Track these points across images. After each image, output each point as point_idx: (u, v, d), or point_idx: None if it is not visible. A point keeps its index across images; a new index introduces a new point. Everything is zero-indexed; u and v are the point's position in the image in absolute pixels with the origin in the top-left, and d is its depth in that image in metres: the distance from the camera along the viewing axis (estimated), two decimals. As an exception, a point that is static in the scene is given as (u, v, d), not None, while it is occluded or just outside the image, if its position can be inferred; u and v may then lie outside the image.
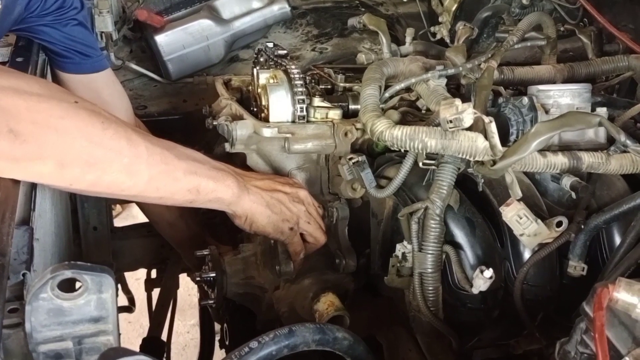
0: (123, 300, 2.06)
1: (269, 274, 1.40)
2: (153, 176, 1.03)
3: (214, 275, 1.38)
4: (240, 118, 1.37)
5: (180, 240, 1.81)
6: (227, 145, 1.32)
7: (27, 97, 0.92)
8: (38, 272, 0.94)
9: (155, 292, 2.09)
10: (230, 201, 1.18)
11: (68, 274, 0.75)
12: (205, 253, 1.43)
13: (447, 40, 1.87)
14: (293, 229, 1.29)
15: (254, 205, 1.22)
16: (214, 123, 1.37)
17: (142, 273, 2.16)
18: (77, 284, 0.84)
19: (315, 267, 1.39)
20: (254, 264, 1.43)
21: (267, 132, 1.30)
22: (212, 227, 1.80)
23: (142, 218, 1.94)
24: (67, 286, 0.82)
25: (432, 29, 1.92)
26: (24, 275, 0.86)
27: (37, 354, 0.78)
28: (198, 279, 1.40)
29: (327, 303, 1.29)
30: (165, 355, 1.97)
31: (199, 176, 1.11)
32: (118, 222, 2.21)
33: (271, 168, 1.37)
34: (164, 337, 2.00)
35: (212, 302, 1.41)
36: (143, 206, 1.75)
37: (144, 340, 1.94)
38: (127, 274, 2.11)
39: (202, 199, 1.13)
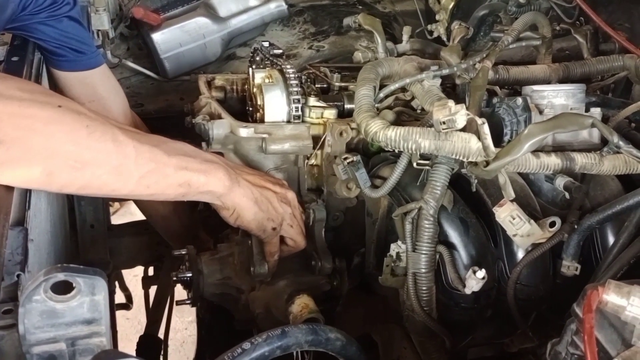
0: (121, 297, 2.07)
1: (246, 274, 1.39)
2: (143, 175, 1.02)
3: (190, 275, 1.38)
4: (219, 117, 1.36)
5: (172, 234, 1.81)
6: (203, 145, 1.31)
7: (8, 102, 0.91)
8: (33, 273, 0.94)
9: (153, 289, 2.09)
10: (221, 193, 1.18)
11: (61, 276, 0.76)
12: (182, 252, 1.42)
13: (444, 38, 1.87)
14: (275, 229, 1.29)
15: (243, 199, 1.22)
16: (193, 122, 1.37)
17: (140, 270, 2.17)
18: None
19: (291, 269, 1.39)
20: (231, 264, 1.42)
21: (243, 132, 1.30)
22: (207, 222, 1.80)
23: (139, 215, 1.95)
24: (62, 288, 0.83)
25: (429, 27, 1.91)
26: (18, 276, 0.86)
27: (30, 356, 0.78)
28: (174, 278, 1.39)
29: (302, 305, 1.29)
30: (162, 352, 1.98)
31: (189, 171, 1.11)
32: (115, 220, 2.22)
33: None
34: (161, 334, 2.01)
35: (188, 302, 1.40)
36: (137, 199, 1.75)
37: (141, 337, 1.94)
38: (125, 271, 2.12)
39: (194, 192, 1.13)
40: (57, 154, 0.93)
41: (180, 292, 2.29)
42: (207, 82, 1.58)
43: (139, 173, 1.02)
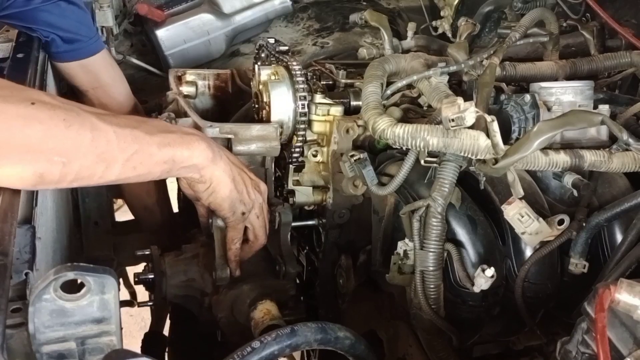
0: (125, 294, 2.07)
1: (210, 277, 1.36)
2: (128, 158, 1.01)
3: (152, 276, 1.34)
4: (185, 115, 1.33)
5: (154, 225, 1.79)
6: None
7: None
8: (40, 271, 0.94)
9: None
10: (204, 165, 1.16)
11: (71, 275, 0.76)
12: (146, 253, 1.38)
13: (449, 34, 1.87)
14: (244, 215, 1.26)
15: (222, 174, 1.19)
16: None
17: (142, 267, 2.16)
18: (79, 281, 0.84)
19: (255, 273, 1.36)
20: (196, 266, 1.38)
21: (208, 131, 1.27)
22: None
23: (143, 212, 1.94)
24: (71, 286, 0.82)
25: (434, 23, 1.91)
26: (26, 274, 0.86)
27: (40, 355, 0.78)
28: (136, 279, 1.36)
29: (264, 311, 1.26)
30: (167, 349, 1.97)
31: (172, 146, 1.09)
32: (119, 216, 2.22)
33: None
34: (165, 331, 2.01)
35: (150, 304, 1.38)
36: (122, 189, 1.73)
37: (146, 334, 1.94)
38: (129, 268, 2.12)
39: (178, 167, 1.12)
40: (40, 152, 0.92)
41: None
42: (177, 76, 1.53)
43: (124, 156, 1.01)
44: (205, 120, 1.29)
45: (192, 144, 1.12)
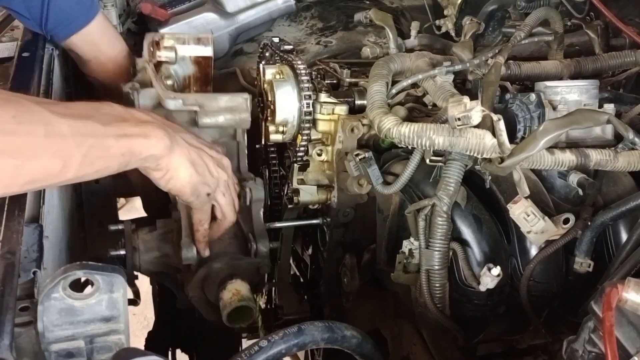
0: (128, 293, 2.07)
1: None
2: (85, 153, 0.95)
3: (124, 252, 1.29)
4: (151, 85, 1.25)
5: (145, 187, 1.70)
6: None
7: None
8: (48, 270, 0.94)
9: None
10: (162, 154, 1.09)
11: (80, 274, 0.76)
12: (119, 228, 1.32)
13: (453, 33, 1.86)
14: (209, 195, 1.20)
15: (180, 159, 1.12)
16: (122, 89, 1.26)
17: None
18: (83, 279, 0.84)
19: (226, 251, 1.29)
20: (170, 241, 1.32)
21: (171, 104, 1.19)
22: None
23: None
24: (80, 285, 0.83)
25: (437, 22, 1.90)
26: (34, 273, 0.86)
27: (49, 353, 0.78)
28: (108, 256, 1.30)
29: (232, 292, 1.20)
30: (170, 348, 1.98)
31: (129, 137, 1.03)
32: (122, 215, 2.22)
33: None
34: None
35: (122, 252, 1.30)
36: (136, 186, 1.64)
37: (149, 333, 1.94)
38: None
39: (136, 159, 1.06)
40: None
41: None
42: (154, 42, 1.41)
43: (81, 151, 0.95)
44: (168, 91, 1.22)
45: (148, 132, 1.06)
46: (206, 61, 1.45)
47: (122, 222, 1.33)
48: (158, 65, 1.39)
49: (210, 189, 1.19)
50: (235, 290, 1.20)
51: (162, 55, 1.37)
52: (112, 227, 1.32)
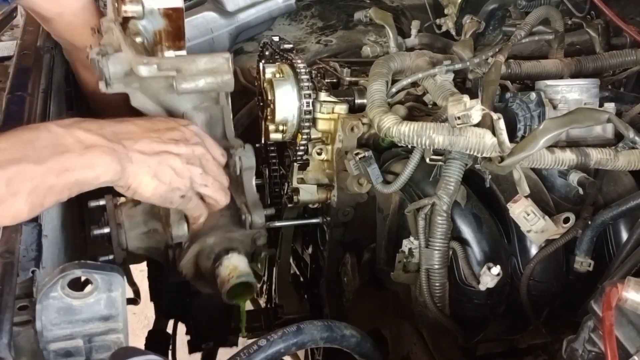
0: (128, 293, 2.06)
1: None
2: (26, 199, 0.89)
3: (108, 231, 1.22)
4: (120, 49, 1.13)
5: None
6: (101, 85, 1.11)
7: None
8: (47, 269, 0.94)
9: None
10: (114, 179, 1.01)
11: (78, 273, 0.76)
12: (100, 204, 1.24)
13: (453, 32, 1.86)
14: (185, 197, 1.12)
15: (137, 177, 1.04)
16: (88, 57, 1.15)
17: (145, 265, 2.16)
18: (83, 279, 0.84)
19: (219, 224, 1.22)
20: (157, 215, 1.25)
21: (144, 70, 1.08)
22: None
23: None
24: (78, 284, 0.83)
25: (437, 21, 1.90)
26: (33, 272, 0.86)
27: (47, 352, 0.78)
28: (92, 235, 1.24)
29: (230, 268, 1.14)
30: (170, 347, 1.98)
31: (72, 171, 0.94)
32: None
33: (162, 108, 1.18)
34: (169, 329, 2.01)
35: (111, 257, 1.24)
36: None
37: (149, 332, 1.94)
38: (132, 266, 2.11)
39: (87, 187, 0.99)
40: None
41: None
42: None
43: (21, 199, 0.88)
44: (140, 56, 1.12)
45: (94, 162, 0.97)
46: (177, 13, 1.30)
47: (103, 197, 1.23)
48: (125, 22, 1.26)
49: (182, 191, 1.11)
50: (233, 266, 1.15)
51: (128, 9, 1.23)
52: (93, 204, 1.23)
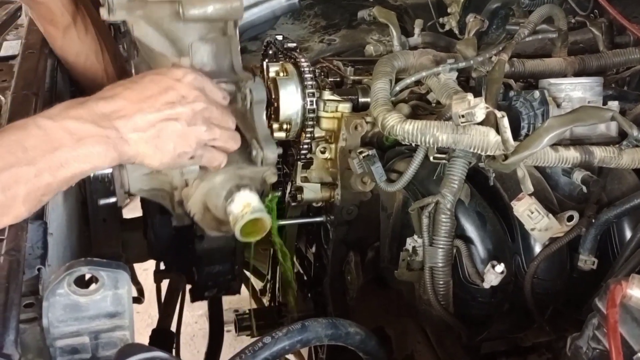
0: (132, 291, 2.07)
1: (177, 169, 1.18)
2: (23, 200, 0.87)
3: (110, 172, 1.18)
4: None
5: None
6: (103, 12, 1.06)
7: None
8: (52, 267, 0.94)
9: (163, 283, 2.09)
10: (112, 164, 0.99)
11: (85, 270, 0.76)
12: None
13: (456, 31, 1.86)
14: (195, 157, 1.08)
15: (138, 155, 1.00)
16: None
17: (148, 264, 2.16)
18: (87, 276, 0.84)
19: (228, 161, 1.16)
20: None
21: None
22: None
23: (150, 210, 1.94)
24: (85, 281, 0.83)
25: (440, 20, 1.90)
26: (39, 270, 0.87)
27: (54, 349, 0.79)
28: (91, 179, 1.20)
29: (243, 204, 1.09)
30: (174, 346, 1.98)
31: (67, 166, 0.91)
32: (126, 213, 2.22)
33: (167, 39, 1.13)
34: (173, 328, 2.02)
35: (114, 200, 1.22)
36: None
37: (153, 331, 1.95)
38: (135, 265, 2.12)
39: (86, 174, 0.96)
40: None
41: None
42: None
43: (18, 202, 0.87)
44: None
45: (88, 153, 0.93)
46: None
47: None
48: None
49: (189, 153, 1.05)
50: (246, 201, 1.09)
51: None
52: None
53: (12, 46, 1.38)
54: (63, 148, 0.91)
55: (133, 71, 1.31)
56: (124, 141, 0.97)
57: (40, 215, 0.97)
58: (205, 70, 1.15)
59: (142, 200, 1.60)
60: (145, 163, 1.02)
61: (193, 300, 1.84)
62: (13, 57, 1.34)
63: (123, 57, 1.56)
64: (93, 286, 0.83)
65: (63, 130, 0.92)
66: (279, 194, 1.26)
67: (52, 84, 1.29)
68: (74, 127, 0.93)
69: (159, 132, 1.00)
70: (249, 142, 1.19)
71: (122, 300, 0.79)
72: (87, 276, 0.85)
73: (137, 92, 1.00)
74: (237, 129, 1.15)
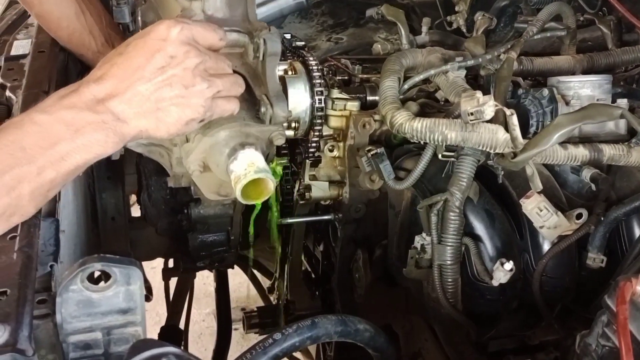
0: (140, 289, 2.08)
1: None
2: (30, 198, 0.87)
3: None
4: None
5: None
6: None
7: None
8: (64, 264, 0.95)
9: (172, 281, 2.11)
10: (116, 148, 0.95)
11: (98, 266, 0.77)
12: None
13: (464, 29, 1.86)
14: (204, 120, 1.02)
15: (142, 131, 0.96)
16: None
17: (157, 262, 2.18)
18: (96, 273, 0.85)
19: (234, 116, 1.09)
20: None
21: None
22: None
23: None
24: (97, 277, 0.84)
25: (448, 18, 1.90)
26: (51, 266, 0.88)
27: (66, 345, 0.79)
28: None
29: (247, 163, 1.02)
30: (182, 343, 2.00)
31: (68, 158, 0.89)
32: (135, 212, 2.23)
33: None
34: (181, 325, 2.03)
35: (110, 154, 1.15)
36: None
37: (162, 328, 1.96)
38: (143, 263, 2.13)
39: (90, 163, 0.94)
40: None
41: (197, 285, 2.31)
42: None
43: (25, 199, 0.87)
44: None
45: (87, 142, 0.91)
46: None
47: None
48: None
49: (197, 116, 1.00)
50: (250, 160, 1.03)
51: None
52: None
53: (22, 45, 1.39)
54: (61, 142, 0.89)
55: (140, 19, 1.25)
56: (121, 123, 0.94)
57: (52, 213, 0.98)
58: (218, 17, 1.08)
59: (138, 161, 1.54)
60: (152, 137, 0.99)
61: (184, 270, 1.72)
62: (24, 56, 1.35)
63: (109, 16, 1.52)
64: (103, 283, 0.83)
65: (59, 123, 0.90)
66: (286, 160, 1.19)
67: (62, 83, 1.30)
68: (70, 117, 0.90)
69: (156, 103, 0.96)
70: (259, 98, 1.11)
71: (134, 296, 0.79)
72: (97, 273, 0.86)
73: (124, 66, 0.95)
74: (247, 84, 1.08)
